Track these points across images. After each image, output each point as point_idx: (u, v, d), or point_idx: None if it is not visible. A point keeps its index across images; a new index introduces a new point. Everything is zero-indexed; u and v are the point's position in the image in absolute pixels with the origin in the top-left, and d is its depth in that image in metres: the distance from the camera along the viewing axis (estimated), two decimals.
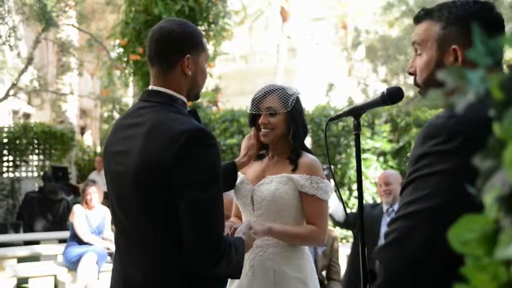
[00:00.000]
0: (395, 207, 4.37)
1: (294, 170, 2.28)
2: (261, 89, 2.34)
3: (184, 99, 1.76)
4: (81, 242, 5.77)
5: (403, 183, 1.21)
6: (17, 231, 8.42)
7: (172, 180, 1.55)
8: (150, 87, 1.77)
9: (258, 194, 2.28)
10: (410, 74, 1.42)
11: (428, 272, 1.11)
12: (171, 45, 1.72)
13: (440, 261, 1.08)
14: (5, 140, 9.97)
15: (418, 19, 1.41)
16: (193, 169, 1.56)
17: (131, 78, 8.88)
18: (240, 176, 2.43)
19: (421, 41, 1.38)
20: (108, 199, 1.88)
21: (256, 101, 2.32)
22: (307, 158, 2.31)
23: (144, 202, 1.60)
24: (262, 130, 2.30)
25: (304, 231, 2.25)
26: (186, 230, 1.56)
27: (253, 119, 2.36)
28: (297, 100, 2.33)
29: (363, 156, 7.57)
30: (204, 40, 1.82)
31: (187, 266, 1.58)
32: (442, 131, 1.12)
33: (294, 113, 2.30)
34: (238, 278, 1.74)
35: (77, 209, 5.86)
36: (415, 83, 1.41)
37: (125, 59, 8.34)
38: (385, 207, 4.40)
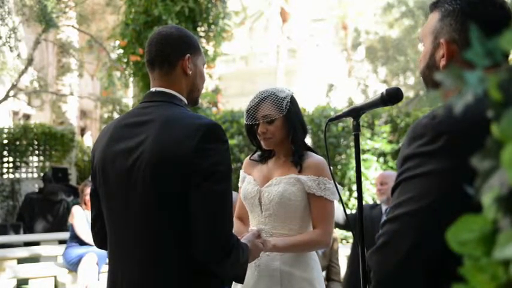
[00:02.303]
0: None
1: (300, 171, 2.28)
2: (253, 98, 2.33)
3: (186, 101, 1.78)
4: (81, 243, 5.77)
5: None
6: (17, 232, 8.43)
7: (191, 171, 1.56)
8: (153, 89, 1.78)
9: (266, 195, 2.28)
10: None
11: (415, 275, 1.11)
12: (171, 46, 1.77)
13: (427, 263, 1.08)
14: (5, 141, 9.97)
15: (430, 9, 1.40)
16: (212, 161, 1.58)
17: (131, 79, 8.90)
18: (247, 177, 2.43)
19: (423, 32, 1.37)
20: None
21: (251, 111, 2.31)
22: (314, 158, 2.30)
23: (158, 195, 1.60)
24: (263, 139, 2.30)
25: (308, 238, 2.24)
26: (198, 221, 1.57)
27: (251, 128, 2.36)
28: (291, 101, 2.32)
29: (363, 157, 7.56)
30: (200, 46, 1.87)
31: (199, 258, 1.59)
32: (427, 131, 1.11)
33: (290, 115, 2.29)
34: (242, 282, 1.74)
35: (76, 210, 5.86)
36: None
37: (125, 60, 8.34)
38: (383, 208, 4.40)
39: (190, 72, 1.77)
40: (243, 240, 1.89)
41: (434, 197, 1.07)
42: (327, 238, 2.26)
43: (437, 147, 1.08)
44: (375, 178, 6.79)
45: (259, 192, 2.31)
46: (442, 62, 1.29)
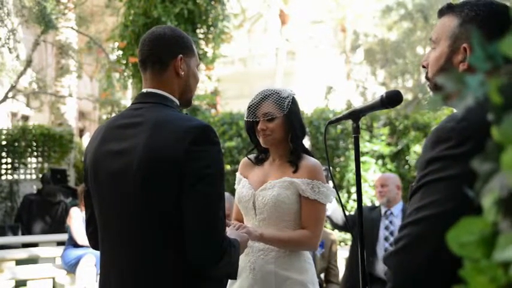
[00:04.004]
0: (394, 210, 4.37)
1: (295, 172, 2.29)
2: (256, 96, 2.35)
3: (178, 102, 1.77)
4: (79, 245, 5.76)
5: (412, 187, 1.19)
6: (15, 233, 8.41)
7: (182, 174, 1.55)
8: (144, 90, 1.78)
9: (260, 199, 2.28)
10: (424, 67, 1.41)
11: (437, 279, 1.09)
12: (163, 46, 1.76)
13: (450, 268, 1.08)
14: (4, 142, 9.95)
15: (441, 13, 1.40)
16: (205, 164, 1.57)
17: (130, 81, 8.88)
18: (242, 180, 2.43)
19: (437, 35, 1.37)
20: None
21: (253, 108, 2.32)
22: (309, 161, 2.31)
23: (149, 198, 1.59)
24: (262, 136, 2.31)
25: (296, 236, 2.25)
26: (191, 224, 1.56)
27: (251, 126, 2.37)
28: (293, 101, 2.34)
29: (361, 159, 7.56)
30: (194, 47, 1.85)
31: (191, 261, 1.58)
32: (453, 135, 1.10)
33: (290, 115, 2.31)
34: (235, 278, 1.74)
35: (74, 211, 5.85)
36: (426, 77, 1.41)
37: (124, 62, 8.35)
38: (383, 210, 4.41)
39: (183, 73, 1.76)
40: (229, 235, 1.89)
41: (459, 201, 1.04)
42: (314, 241, 2.27)
43: (464, 151, 1.07)
44: (374, 180, 6.80)
45: (254, 196, 2.32)
46: (463, 67, 1.29)
